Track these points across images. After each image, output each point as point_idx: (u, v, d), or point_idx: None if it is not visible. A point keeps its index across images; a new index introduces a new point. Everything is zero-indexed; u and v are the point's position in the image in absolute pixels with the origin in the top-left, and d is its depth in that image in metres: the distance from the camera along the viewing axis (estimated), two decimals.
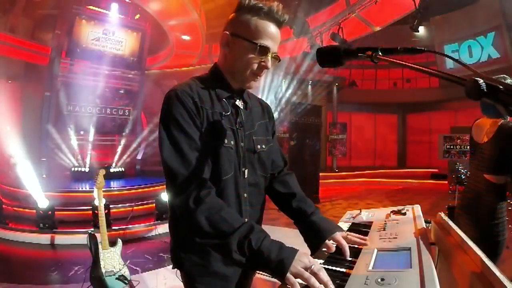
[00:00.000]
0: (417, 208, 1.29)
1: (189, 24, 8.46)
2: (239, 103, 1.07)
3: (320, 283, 0.73)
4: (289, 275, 0.76)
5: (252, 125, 1.09)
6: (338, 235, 0.98)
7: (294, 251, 0.81)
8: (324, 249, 0.96)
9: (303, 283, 0.75)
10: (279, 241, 0.85)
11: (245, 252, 0.82)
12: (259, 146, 1.09)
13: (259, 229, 0.86)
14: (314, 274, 0.74)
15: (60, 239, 4.45)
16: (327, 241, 0.97)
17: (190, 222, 0.88)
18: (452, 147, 8.40)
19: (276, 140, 1.22)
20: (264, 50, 0.97)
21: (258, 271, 0.93)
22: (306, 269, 0.76)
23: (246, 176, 1.05)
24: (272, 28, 0.97)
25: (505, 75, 1.97)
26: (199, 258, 1.01)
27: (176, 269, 1.08)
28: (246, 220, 1.01)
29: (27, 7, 8.38)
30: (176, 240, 1.06)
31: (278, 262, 0.78)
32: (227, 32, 1.00)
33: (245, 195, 1.05)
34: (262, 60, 0.98)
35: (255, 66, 0.99)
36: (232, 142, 1.00)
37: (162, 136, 0.93)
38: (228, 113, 1.02)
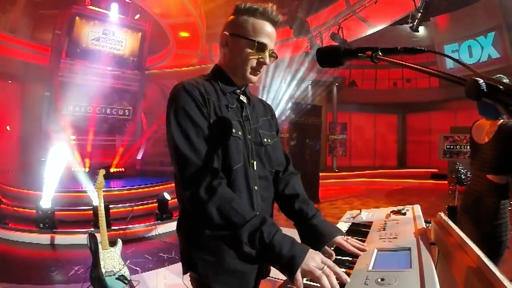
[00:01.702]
0: (417, 208, 1.29)
1: (189, 24, 8.46)
2: (243, 98, 1.10)
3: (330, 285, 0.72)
4: (298, 273, 0.75)
5: (257, 120, 1.12)
6: (339, 239, 0.98)
7: (306, 249, 0.81)
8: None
9: (307, 283, 0.75)
10: (291, 236, 0.85)
11: (256, 244, 0.81)
12: (265, 140, 1.10)
13: (271, 222, 0.85)
14: (326, 276, 0.74)
15: (60, 239, 4.45)
16: (326, 247, 0.97)
17: (201, 213, 0.88)
18: (452, 147, 8.40)
19: (279, 138, 1.23)
20: (262, 47, 1.01)
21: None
22: (318, 268, 0.75)
23: (255, 169, 1.05)
24: (268, 27, 1.03)
25: (501, 75, 1.98)
26: (214, 256, 0.97)
27: (184, 275, 1.04)
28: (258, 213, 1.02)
29: (27, 7, 8.39)
30: (187, 241, 1.03)
31: (290, 258, 0.77)
32: (226, 33, 1.05)
33: (256, 187, 1.04)
34: (261, 56, 1.02)
35: (254, 62, 1.03)
36: (239, 133, 1.01)
37: (172, 127, 0.93)
38: (234, 106, 1.05)
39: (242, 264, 0.96)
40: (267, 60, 1.03)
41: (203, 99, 0.97)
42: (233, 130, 0.99)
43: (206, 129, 0.94)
